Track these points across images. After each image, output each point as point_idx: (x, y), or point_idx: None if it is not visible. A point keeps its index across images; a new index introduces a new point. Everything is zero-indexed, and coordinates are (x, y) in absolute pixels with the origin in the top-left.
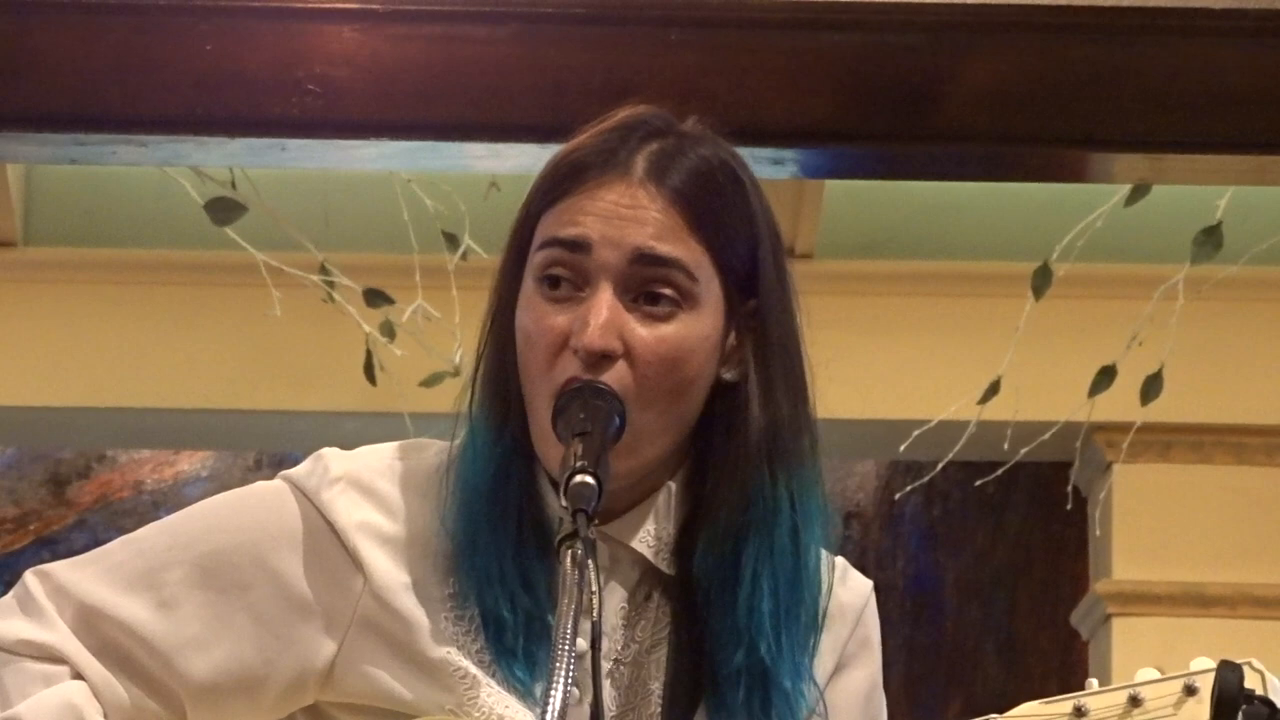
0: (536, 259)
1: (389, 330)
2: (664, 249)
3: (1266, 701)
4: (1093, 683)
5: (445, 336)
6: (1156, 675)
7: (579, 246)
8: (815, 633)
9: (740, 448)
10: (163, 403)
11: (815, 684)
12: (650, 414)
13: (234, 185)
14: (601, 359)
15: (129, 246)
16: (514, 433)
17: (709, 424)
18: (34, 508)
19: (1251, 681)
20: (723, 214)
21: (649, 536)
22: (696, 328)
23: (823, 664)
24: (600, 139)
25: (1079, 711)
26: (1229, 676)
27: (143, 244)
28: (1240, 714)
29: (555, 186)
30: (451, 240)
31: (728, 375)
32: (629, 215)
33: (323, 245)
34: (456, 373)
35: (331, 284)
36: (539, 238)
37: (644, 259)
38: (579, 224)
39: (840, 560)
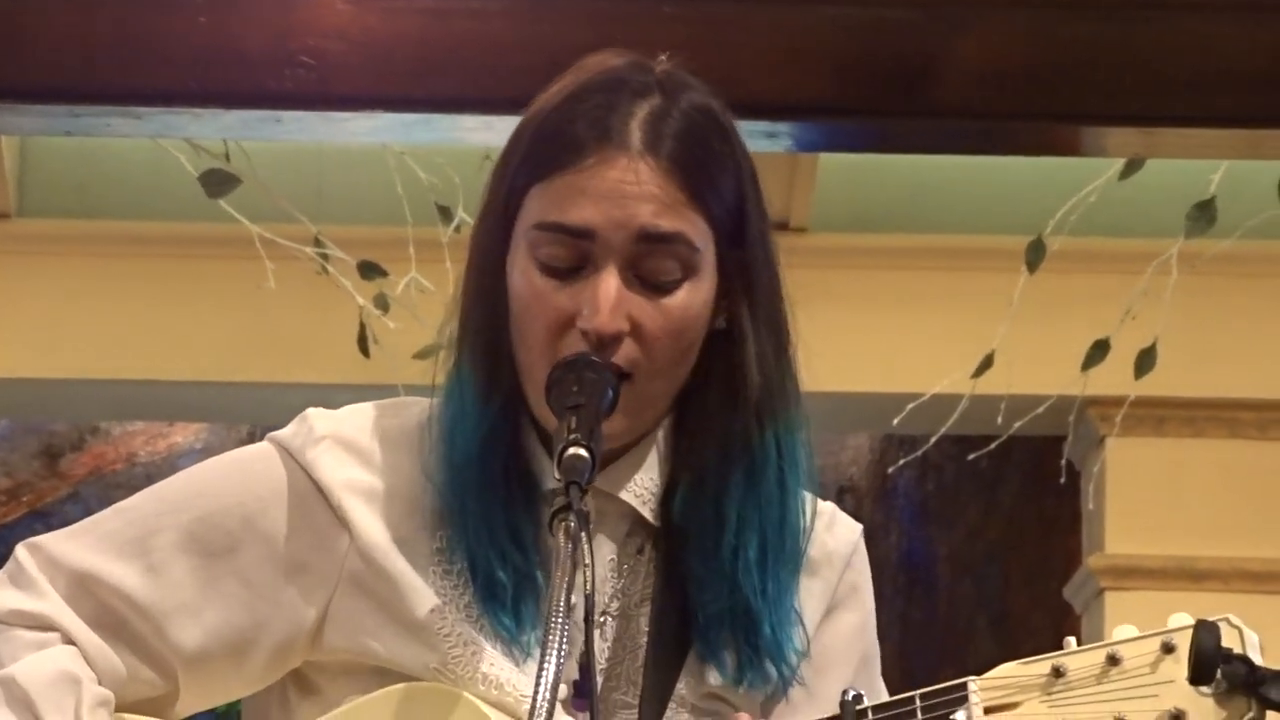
0: (535, 238)
1: (383, 303)
2: (667, 227)
3: (1244, 659)
4: (1070, 642)
5: (439, 309)
6: (1134, 633)
7: (585, 234)
8: (799, 575)
9: (729, 394)
10: (156, 375)
11: (803, 628)
12: (658, 382)
13: (228, 158)
14: (611, 339)
15: (123, 219)
16: (505, 394)
17: (695, 371)
18: (27, 479)
19: (1229, 638)
20: (715, 172)
21: (636, 486)
22: (698, 294)
23: (812, 609)
24: (587, 105)
25: (1057, 671)
26: (1206, 636)
27: (137, 216)
28: (1218, 672)
29: (548, 159)
30: (445, 213)
31: (717, 324)
32: (631, 193)
33: (316, 218)
34: (448, 342)
35: (325, 256)
36: (535, 215)
37: (648, 238)
38: (582, 209)
39: (828, 505)
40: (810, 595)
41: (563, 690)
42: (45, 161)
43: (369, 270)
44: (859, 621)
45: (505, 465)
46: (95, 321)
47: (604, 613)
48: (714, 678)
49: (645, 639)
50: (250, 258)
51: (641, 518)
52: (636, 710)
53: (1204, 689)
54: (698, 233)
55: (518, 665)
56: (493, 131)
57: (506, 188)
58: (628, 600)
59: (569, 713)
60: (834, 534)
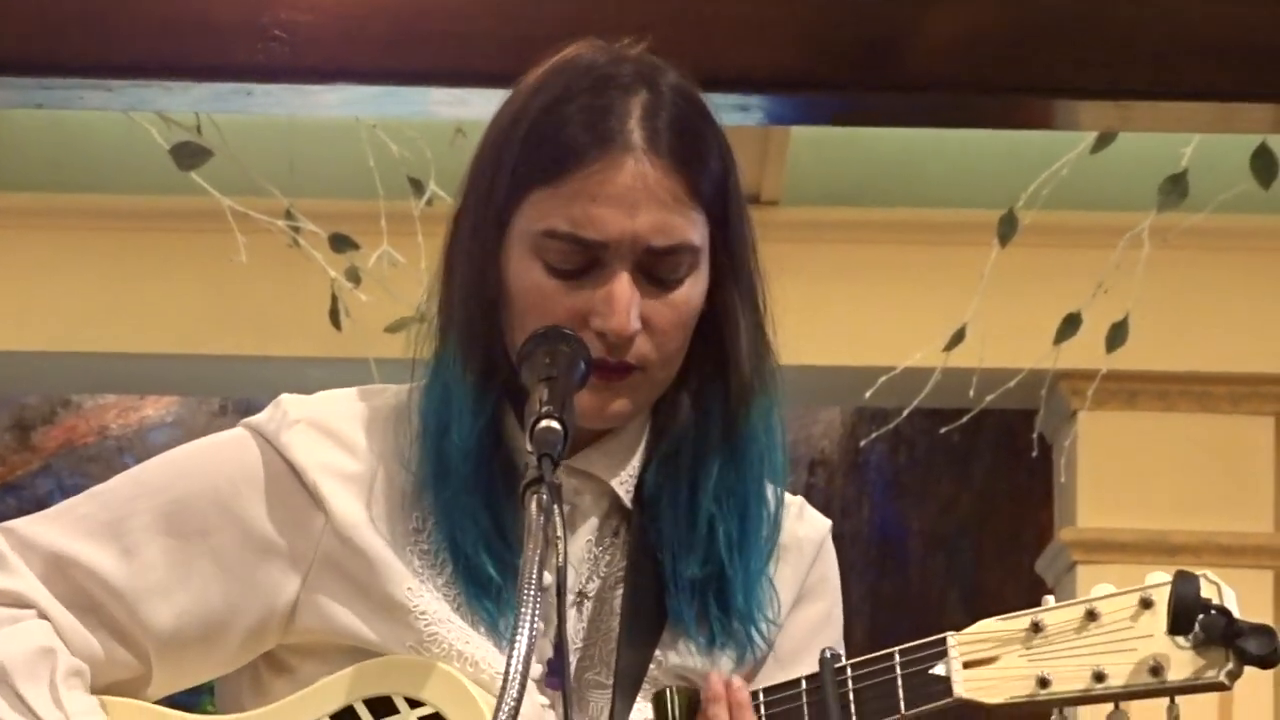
0: (543, 243)
1: (354, 276)
2: (676, 231)
3: (1223, 610)
4: (1049, 599)
5: (411, 282)
6: (1112, 590)
7: (596, 245)
8: (773, 557)
9: (711, 372)
10: (128, 348)
11: (777, 601)
12: (666, 370)
13: (199, 130)
14: (628, 340)
15: (94, 191)
16: (499, 391)
17: None
18: None
19: (1207, 591)
20: (706, 156)
21: (615, 468)
22: (699, 284)
23: (783, 596)
24: (579, 106)
25: (1036, 627)
26: (1185, 586)
27: (108, 189)
28: (1196, 623)
29: (549, 164)
30: (417, 186)
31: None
32: (640, 201)
33: (288, 191)
34: (422, 319)
35: (297, 229)
36: (542, 220)
37: (659, 248)
38: (594, 218)
39: (798, 499)
40: (781, 581)
41: (536, 669)
42: (16, 135)
43: (340, 243)
44: (826, 611)
45: (491, 459)
46: (66, 295)
47: (581, 594)
48: (688, 650)
49: (619, 619)
50: (222, 230)
51: (619, 500)
52: (610, 690)
53: (1182, 640)
54: (698, 230)
55: (496, 646)
56: (465, 105)
57: (504, 187)
58: (604, 582)
59: (542, 691)
60: (804, 523)
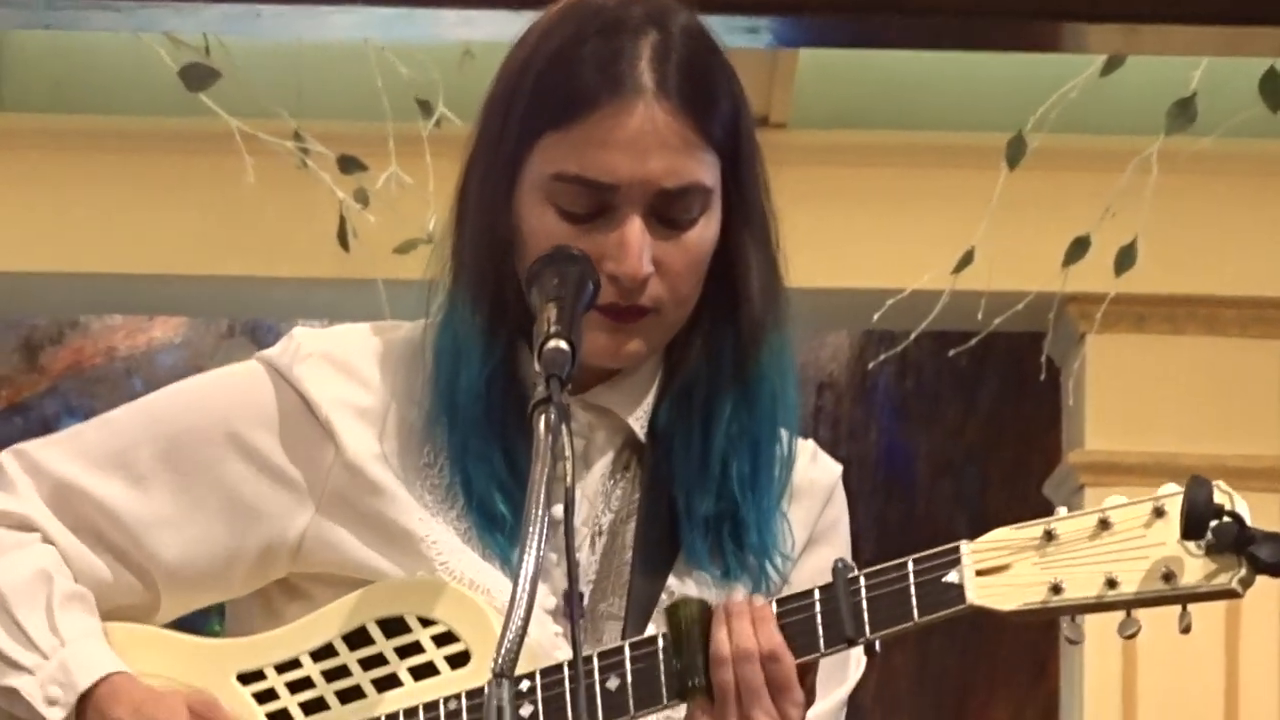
0: (555, 187)
1: (363, 197)
2: (687, 173)
3: (1235, 516)
4: (1061, 510)
5: (419, 203)
6: (1125, 500)
7: (608, 188)
8: (785, 495)
9: (723, 309)
10: (136, 268)
11: (791, 536)
12: (682, 310)
13: (208, 52)
14: (641, 283)
15: (103, 113)
16: (510, 332)
17: None
18: (6, 374)
19: (1220, 499)
20: (718, 96)
21: (630, 403)
22: (711, 224)
23: (793, 538)
24: (589, 50)
25: (1049, 535)
26: (1199, 491)
27: (117, 111)
28: (1209, 529)
29: (560, 108)
30: (425, 108)
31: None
32: (651, 143)
33: (296, 113)
34: (430, 239)
35: (305, 151)
36: (553, 165)
37: (670, 190)
38: (604, 162)
39: (809, 442)
40: (794, 521)
41: (551, 601)
42: (24, 56)
43: (349, 165)
44: (837, 555)
45: (504, 399)
46: (74, 216)
47: (595, 526)
48: (702, 581)
49: (631, 551)
50: (230, 152)
51: (633, 435)
52: (623, 620)
53: (1194, 547)
54: (709, 171)
55: (507, 578)
56: (472, 26)
57: (515, 132)
58: (616, 515)
59: (557, 621)
60: (817, 467)
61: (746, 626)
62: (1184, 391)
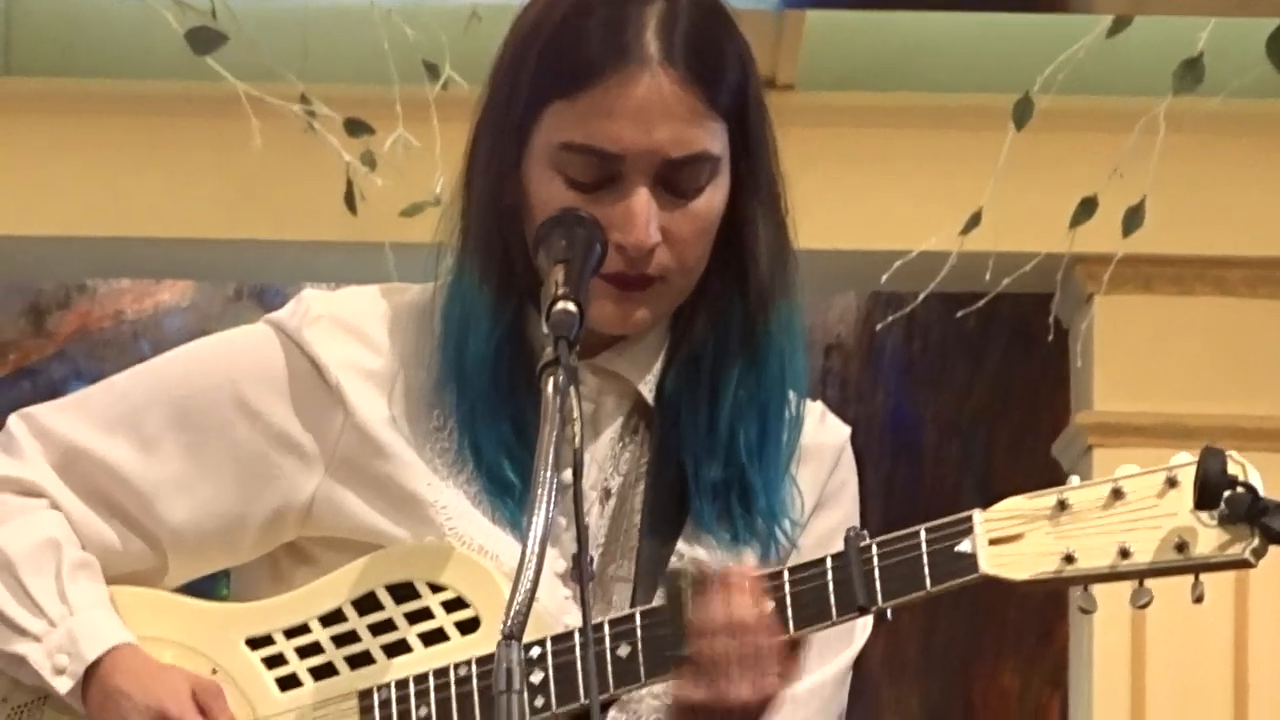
0: (562, 157)
1: (369, 160)
2: (693, 142)
3: (1249, 486)
4: (1074, 479)
5: (426, 166)
6: (1138, 470)
7: (614, 158)
8: (794, 459)
9: (730, 276)
10: (143, 232)
11: (800, 501)
12: (689, 278)
13: (214, 15)
14: (649, 253)
15: (110, 76)
16: (518, 300)
17: None
18: (14, 338)
19: (1234, 469)
20: (725, 64)
21: (639, 368)
22: (719, 192)
23: (802, 501)
24: (596, 19)
25: (1062, 505)
26: (1212, 460)
27: (124, 74)
28: (1222, 499)
29: (566, 77)
30: (432, 70)
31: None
32: (657, 112)
33: (303, 76)
34: (437, 202)
35: (312, 114)
36: (560, 134)
37: (676, 159)
38: (611, 132)
39: (818, 404)
40: (803, 484)
41: (560, 564)
42: (32, 20)
43: (355, 128)
44: (844, 518)
45: (513, 365)
46: (82, 179)
47: (604, 490)
48: (710, 545)
49: (640, 515)
50: (237, 116)
51: (642, 400)
52: (632, 584)
53: (1207, 517)
54: (717, 140)
55: (516, 543)
56: None
57: (522, 101)
58: (625, 479)
59: (566, 585)
60: (825, 429)
61: (724, 599)
62: (1192, 352)
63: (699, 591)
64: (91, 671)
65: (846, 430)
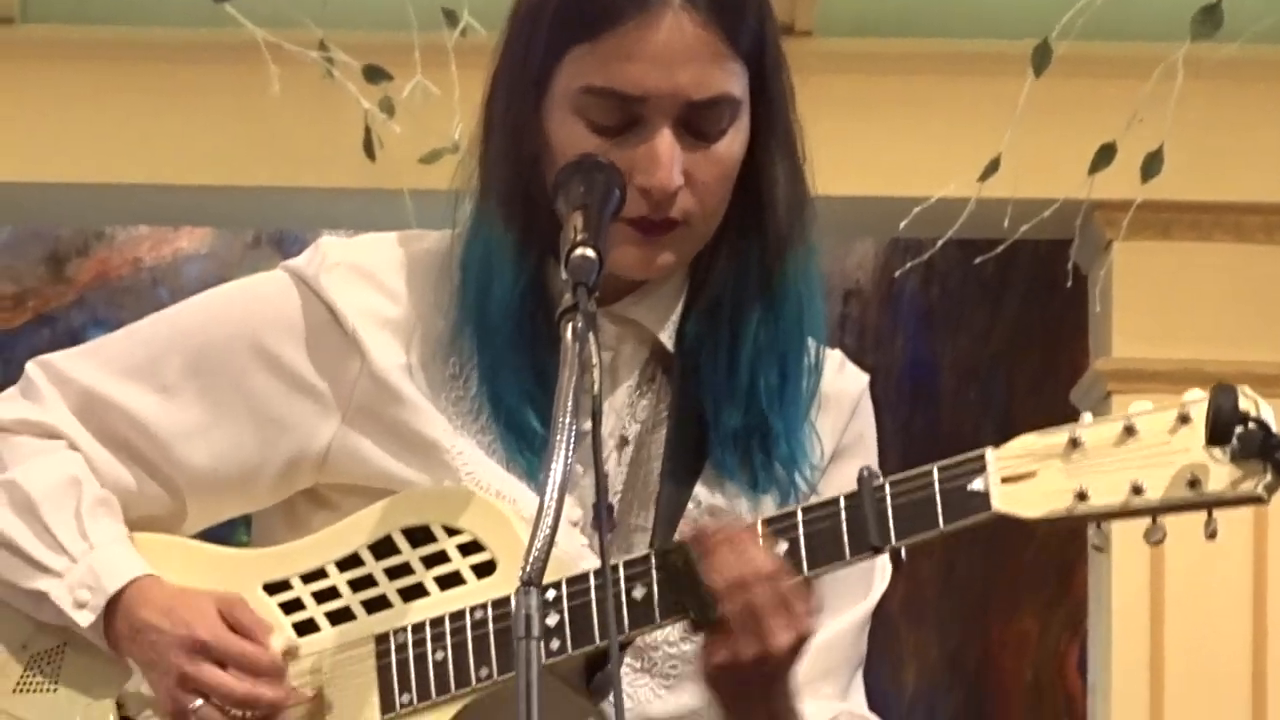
0: (584, 100)
1: (388, 107)
2: (715, 84)
3: (1261, 422)
4: (1086, 416)
5: (444, 113)
6: (1151, 407)
7: (636, 100)
8: (814, 405)
9: (748, 222)
10: (161, 179)
11: (820, 447)
12: (711, 222)
13: None
14: (671, 196)
15: (128, 24)
16: (540, 248)
17: None
18: (32, 285)
19: (1246, 405)
20: (745, 10)
21: (659, 315)
22: (740, 135)
23: (822, 448)
24: None
25: (1074, 443)
26: (1224, 397)
27: (142, 21)
28: (1234, 435)
29: (587, 21)
30: (451, 17)
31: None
32: (679, 55)
33: (321, 23)
34: (456, 149)
35: (330, 61)
36: (581, 78)
37: (699, 101)
38: (632, 74)
39: (837, 352)
40: (822, 432)
41: (577, 513)
42: None
43: (374, 74)
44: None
45: (535, 313)
46: (100, 126)
47: (622, 437)
48: (730, 492)
49: (659, 462)
50: (255, 62)
51: (660, 345)
52: (651, 532)
53: (1219, 453)
54: (738, 82)
55: (532, 491)
56: None
57: (542, 46)
58: (643, 426)
59: (584, 532)
60: (844, 376)
61: (735, 553)
62: (1211, 298)
63: (704, 554)
64: (113, 605)
65: (865, 378)
